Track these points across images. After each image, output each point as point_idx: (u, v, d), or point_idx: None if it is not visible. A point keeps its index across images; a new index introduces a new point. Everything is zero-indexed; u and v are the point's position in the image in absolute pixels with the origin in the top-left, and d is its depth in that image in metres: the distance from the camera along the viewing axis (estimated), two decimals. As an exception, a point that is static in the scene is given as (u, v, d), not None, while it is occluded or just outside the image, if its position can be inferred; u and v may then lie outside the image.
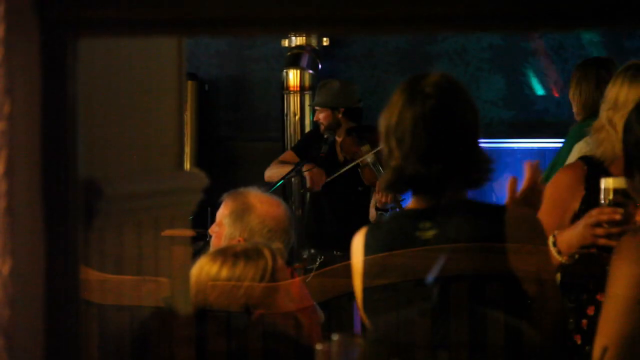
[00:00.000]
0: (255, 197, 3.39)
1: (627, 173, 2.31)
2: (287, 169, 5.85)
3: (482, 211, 2.42)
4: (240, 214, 3.33)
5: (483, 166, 2.42)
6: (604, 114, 3.04)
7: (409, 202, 2.48)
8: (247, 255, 2.71)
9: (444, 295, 2.31)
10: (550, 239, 2.90)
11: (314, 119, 6.07)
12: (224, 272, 2.64)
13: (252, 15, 1.60)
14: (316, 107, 5.98)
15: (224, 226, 3.36)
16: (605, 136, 3.01)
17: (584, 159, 3.07)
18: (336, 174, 5.75)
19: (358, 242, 2.47)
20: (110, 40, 1.83)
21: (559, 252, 2.89)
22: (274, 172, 5.94)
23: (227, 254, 2.70)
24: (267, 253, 2.72)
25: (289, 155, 6.11)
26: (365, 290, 2.43)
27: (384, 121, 2.40)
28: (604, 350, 2.12)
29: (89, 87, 1.74)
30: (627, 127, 2.31)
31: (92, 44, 1.79)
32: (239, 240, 3.28)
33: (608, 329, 2.20)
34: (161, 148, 2.03)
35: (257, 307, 2.65)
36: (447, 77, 2.43)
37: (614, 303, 2.20)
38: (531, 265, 2.40)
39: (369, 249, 2.43)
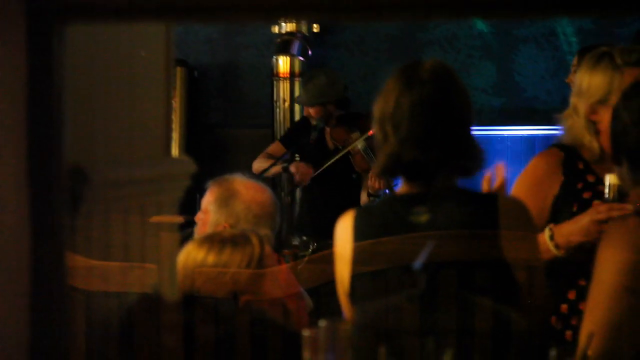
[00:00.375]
0: (241, 183, 3.39)
1: (615, 160, 2.31)
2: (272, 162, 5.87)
3: (474, 198, 2.43)
4: (225, 200, 3.33)
5: (477, 154, 2.43)
6: (571, 100, 3.05)
7: (401, 187, 2.48)
8: (234, 241, 2.70)
9: (436, 281, 2.33)
10: (547, 233, 2.89)
11: (305, 114, 6.07)
12: (211, 259, 2.64)
13: (242, 1, 1.59)
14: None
15: (209, 213, 3.36)
16: (572, 123, 3.02)
17: (558, 146, 3.05)
18: (325, 165, 5.75)
19: (345, 227, 2.46)
20: (97, 27, 1.82)
21: (557, 246, 2.88)
22: (260, 166, 5.94)
23: (214, 240, 2.69)
24: (254, 239, 2.72)
25: (276, 146, 6.10)
26: (354, 276, 2.43)
27: (379, 107, 2.41)
28: (591, 336, 2.13)
29: (76, 74, 1.73)
30: (614, 115, 2.31)
31: (78, 30, 1.78)
32: (225, 227, 3.28)
33: (595, 315, 2.20)
34: (148, 135, 2.03)
35: (244, 293, 2.65)
36: (442, 64, 2.45)
37: (601, 289, 2.20)
38: (521, 252, 2.42)
39: (359, 233, 2.43)
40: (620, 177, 2.35)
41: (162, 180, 2.15)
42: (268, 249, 2.77)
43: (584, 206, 2.93)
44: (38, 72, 1.55)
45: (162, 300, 2.26)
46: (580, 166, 2.98)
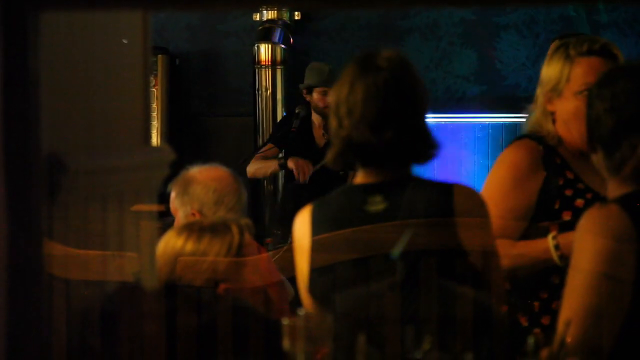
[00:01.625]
0: (196, 169, 3.41)
1: (590, 148, 2.32)
2: (269, 163, 5.83)
3: (430, 187, 2.45)
4: (184, 189, 3.35)
5: (430, 141, 2.45)
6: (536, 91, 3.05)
7: (357, 176, 2.49)
8: (213, 229, 2.70)
9: (396, 270, 2.35)
10: (551, 242, 2.83)
11: (307, 100, 5.98)
12: (189, 247, 2.63)
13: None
14: (315, 88, 5.91)
15: (177, 210, 3.38)
16: (535, 113, 3.01)
17: (533, 138, 2.98)
18: (322, 162, 5.72)
19: (303, 220, 2.48)
20: (73, 13, 1.81)
21: (561, 257, 2.79)
22: (256, 168, 5.89)
23: (192, 229, 2.69)
24: (233, 228, 2.72)
25: (268, 147, 6.01)
26: (313, 270, 2.44)
27: (335, 93, 2.44)
28: (568, 323, 2.13)
29: (53, 61, 1.72)
30: (589, 103, 2.32)
31: (54, 17, 1.77)
32: (193, 214, 3.29)
33: (573, 302, 2.21)
34: (127, 123, 2.02)
35: (223, 281, 2.64)
36: (398, 53, 2.48)
37: (579, 276, 2.21)
38: (476, 239, 2.43)
39: (316, 226, 2.45)
40: (597, 165, 2.35)
41: (140, 169, 2.14)
42: (248, 237, 2.76)
43: (567, 204, 2.91)
44: (13, 60, 1.54)
45: (143, 289, 2.26)
46: (558, 161, 2.96)
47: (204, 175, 3.37)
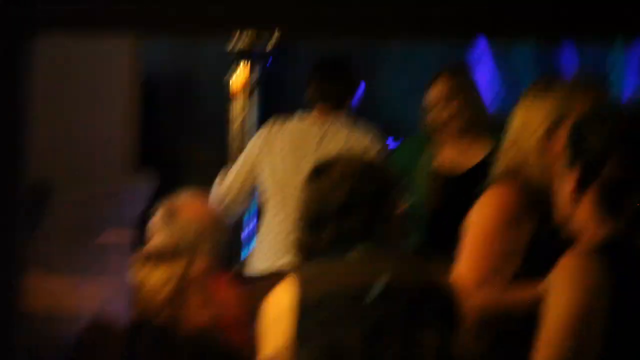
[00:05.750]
0: (182, 198, 3.39)
1: (581, 189, 2.31)
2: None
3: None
4: (168, 217, 3.33)
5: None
6: (512, 133, 3.02)
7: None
8: (160, 257, 2.66)
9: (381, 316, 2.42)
10: None
11: None
12: (136, 274, 2.57)
13: (206, 15, 1.58)
14: None
15: (156, 234, 3.35)
16: (514, 154, 3.00)
17: (516, 180, 2.97)
18: None
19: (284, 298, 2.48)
20: (63, 40, 1.79)
21: None
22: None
23: (142, 257, 2.65)
24: (184, 258, 2.67)
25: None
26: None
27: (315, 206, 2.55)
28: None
29: (41, 87, 1.70)
30: (581, 145, 2.31)
31: (42, 43, 1.75)
32: (170, 244, 3.26)
33: (544, 354, 2.21)
34: (112, 150, 2.00)
35: (160, 312, 2.59)
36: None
37: (552, 323, 2.20)
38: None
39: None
40: (579, 205, 2.35)
41: (122, 197, 2.12)
42: (201, 266, 2.72)
43: (561, 249, 2.89)
44: (4, 85, 1.52)
45: (112, 318, 2.24)
46: (540, 204, 2.95)
47: (191, 209, 3.34)
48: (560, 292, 2.21)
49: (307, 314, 2.41)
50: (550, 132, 2.96)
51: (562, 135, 2.91)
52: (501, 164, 3.01)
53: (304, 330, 2.41)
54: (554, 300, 2.21)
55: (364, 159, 2.72)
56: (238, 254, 6.64)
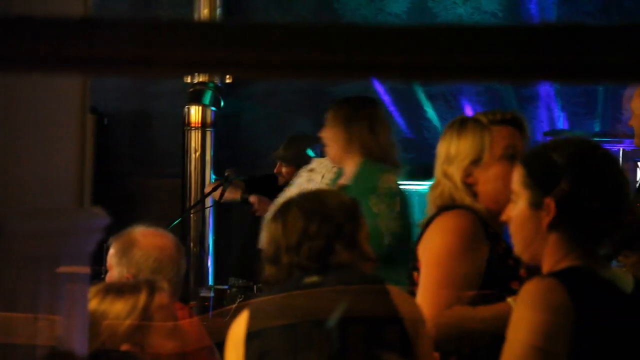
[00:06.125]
0: (139, 232, 3.37)
1: (556, 222, 2.32)
2: (233, 188, 5.90)
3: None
4: (125, 251, 3.30)
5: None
6: (438, 169, 3.08)
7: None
8: (119, 290, 2.66)
9: (335, 339, 2.46)
10: (513, 303, 2.78)
11: (275, 171, 6.00)
12: (92, 307, 2.56)
13: (159, 56, 1.59)
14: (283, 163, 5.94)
15: (112, 267, 3.33)
16: (443, 189, 3.04)
17: (465, 209, 3.01)
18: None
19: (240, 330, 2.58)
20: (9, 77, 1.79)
21: None
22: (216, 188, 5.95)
23: (100, 289, 2.64)
24: (143, 288, 2.67)
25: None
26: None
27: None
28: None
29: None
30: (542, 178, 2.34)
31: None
32: (127, 277, 3.23)
33: None
34: (62, 185, 2.00)
35: (122, 344, 2.59)
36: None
37: (513, 348, 2.22)
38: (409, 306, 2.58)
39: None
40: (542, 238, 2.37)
41: (75, 232, 2.11)
42: (161, 299, 2.71)
43: (511, 273, 2.93)
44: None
45: (69, 353, 2.22)
46: (491, 230, 2.99)
47: (148, 241, 3.32)
48: (524, 313, 2.23)
49: (251, 344, 2.53)
50: (472, 165, 3.02)
51: (488, 164, 2.99)
52: (435, 195, 3.07)
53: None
54: (518, 321, 2.24)
55: (320, 194, 2.78)
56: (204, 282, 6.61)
